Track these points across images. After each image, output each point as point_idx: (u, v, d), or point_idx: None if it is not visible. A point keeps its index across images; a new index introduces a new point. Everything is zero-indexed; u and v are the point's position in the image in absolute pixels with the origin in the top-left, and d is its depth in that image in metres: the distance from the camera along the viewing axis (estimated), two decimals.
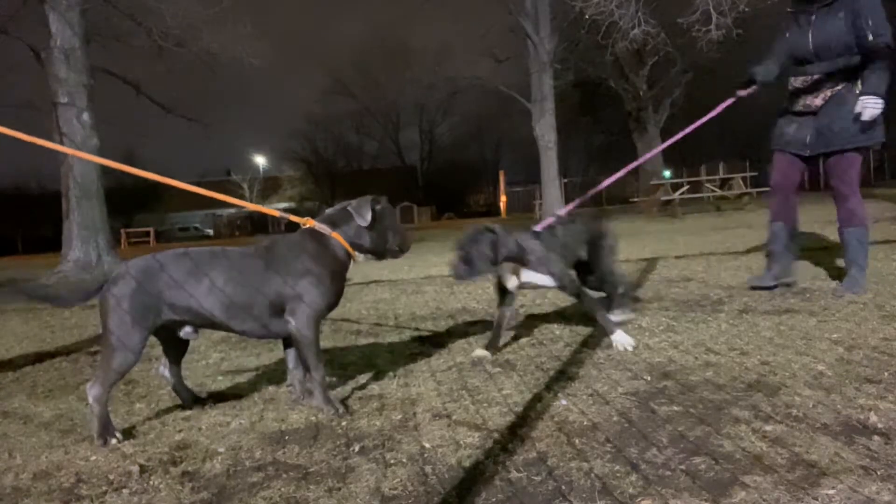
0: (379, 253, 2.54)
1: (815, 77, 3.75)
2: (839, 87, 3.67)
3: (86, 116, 10.66)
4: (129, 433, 2.25)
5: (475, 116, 44.19)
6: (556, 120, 17.57)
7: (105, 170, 11.21)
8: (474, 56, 21.18)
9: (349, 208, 2.45)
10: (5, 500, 1.78)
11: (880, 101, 3.52)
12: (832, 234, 7.35)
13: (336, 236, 2.41)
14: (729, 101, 3.95)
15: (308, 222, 2.45)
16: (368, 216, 2.43)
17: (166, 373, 2.51)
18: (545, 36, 17.03)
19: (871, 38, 3.50)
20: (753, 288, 4.11)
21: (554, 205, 17.56)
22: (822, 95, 3.72)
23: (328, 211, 2.52)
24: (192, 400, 2.53)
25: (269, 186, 50.12)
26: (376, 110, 51.25)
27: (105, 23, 12.08)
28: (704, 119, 3.95)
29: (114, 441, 2.14)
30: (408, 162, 54.63)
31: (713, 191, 19.79)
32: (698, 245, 7.43)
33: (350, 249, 2.44)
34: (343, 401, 2.38)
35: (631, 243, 9.10)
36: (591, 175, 43.91)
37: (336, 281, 2.39)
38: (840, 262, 5.09)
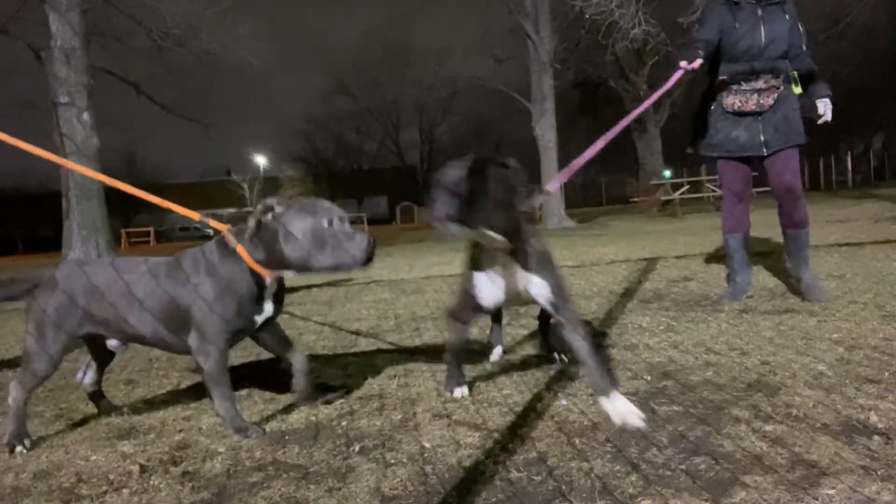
0: (296, 267, 2.06)
1: (765, 75, 3.61)
2: (782, 87, 3.61)
3: (86, 116, 10.67)
4: (129, 433, 2.26)
5: (475, 116, 44.22)
6: (556, 120, 17.59)
7: (106, 170, 11.20)
8: (474, 56, 21.28)
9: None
10: (5, 500, 1.78)
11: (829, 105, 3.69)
12: (831, 234, 7.37)
13: (241, 250, 2.06)
14: (678, 74, 3.54)
15: (223, 229, 2.14)
16: (253, 224, 2.03)
17: (86, 380, 2.48)
18: (545, 36, 17.05)
19: (804, 48, 3.65)
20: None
21: (554, 205, 17.56)
22: (773, 95, 3.60)
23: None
24: (109, 408, 2.51)
25: (269, 186, 50.13)
26: (376, 110, 51.34)
27: (105, 23, 12.11)
28: (656, 95, 3.66)
29: (19, 448, 2.13)
30: (408, 162, 54.66)
31: (713, 191, 19.80)
32: (698, 245, 7.43)
33: (255, 267, 2.07)
34: (259, 423, 2.19)
35: (631, 243, 9.11)
36: (592, 175, 43.97)
37: (236, 302, 2.06)
38: (836, 262, 5.10)
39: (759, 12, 3.61)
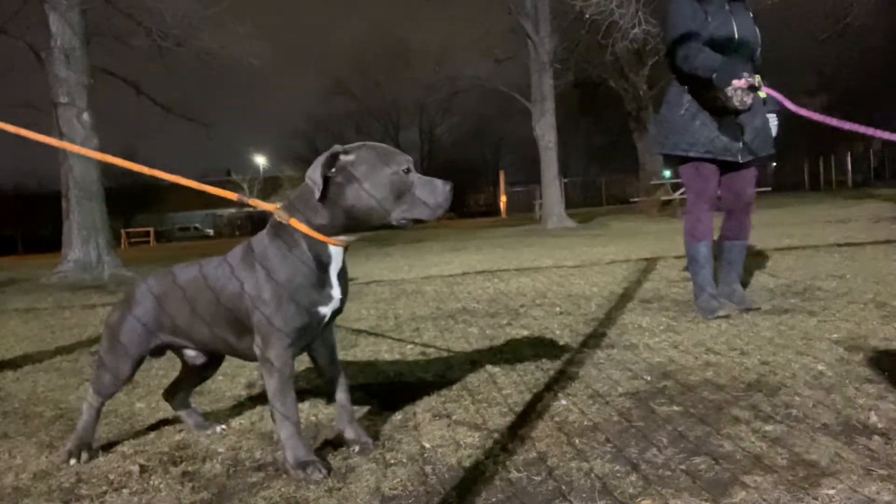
0: (368, 226, 1.79)
1: (742, 71, 3.30)
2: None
3: (86, 116, 10.65)
4: (129, 433, 2.26)
5: (475, 116, 44.30)
6: (556, 120, 17.58)
7: (105, 170, 11.20)
8: (474, 56, 21.22)
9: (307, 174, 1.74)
10: (5, 500, 1.78)
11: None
12: (831, 234, 7.37)
13: (294, 223, 1.77)
14: (750, 96, 3.27)
15: (272, 208, 1.83)
16: (319, 180, 1.70)
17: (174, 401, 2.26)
18: (545, 36, 17.04)
19: (757, 52, 3.44)
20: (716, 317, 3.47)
21: (554, 205, 17.55)
22: (751, 95, 3.34)
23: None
24: (204, 426, 2.23)
25: (269, 186, 50.19)
26: (376, 110, 51.35)
27: (105, 23, 12.09)
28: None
29: (73, 461, 2.00)
30: None
31: None
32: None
33: (317, 235, 1.77)
34: (324, 461, 1.83)
35: (631, 243, 9.10)
36: (591, 175, 44.01)
37: (295, 292, 1.76)
38: (836, 262, 5.10)
39: (727, 7, 3.42)
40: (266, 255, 1.79)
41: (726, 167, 3.50)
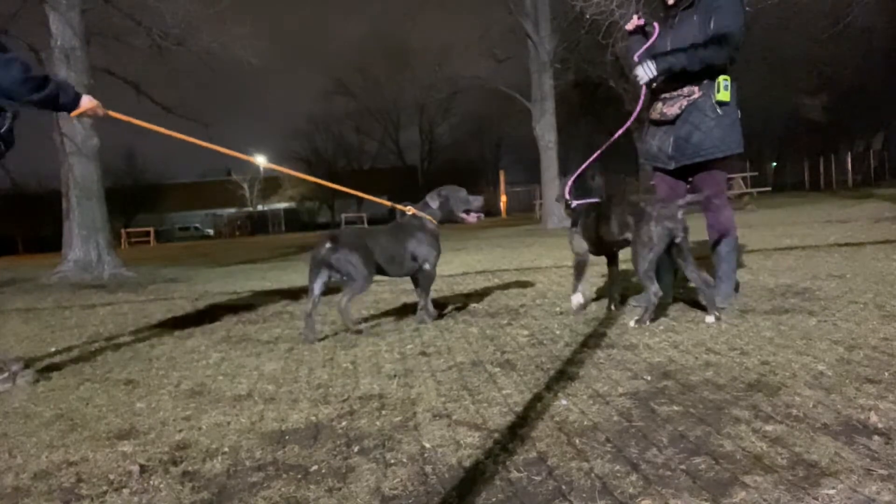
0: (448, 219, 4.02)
1: (672, 84, 3.56)
2: (696, 96, 3.50)
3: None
4: (129, 433, 2.26)
5: (475, 116, 44.30)
6: (556, 120, 17.58)
7: (105, 170, 11.18)
8: (474, 56, 21.27)
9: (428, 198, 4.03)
10: (5, 500, 1.78)
11: (653, 68, 3.47)
12: (831, 234, 7.36)
13: (428, 217, 3.94)
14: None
15: (410, 210, 3.94)
16: (436, 202, 3.98)
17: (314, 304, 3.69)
18: (545, 36, 17.05)
19: (716, 37, 3.40)
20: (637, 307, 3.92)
21: (554, 205, 17.54)
22: (679, 104, 3.54)
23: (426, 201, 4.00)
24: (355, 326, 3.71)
25: (269, 186, 50.24)
26: (376, 110, 51.40)
27: (105, 23, 12.07)
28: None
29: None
30: (408, 162, 54.73)
31: None
32: (696, 245, 7.42)
33: (434, 222, 3.93)
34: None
35: None
36: (592, 175, 43.96)
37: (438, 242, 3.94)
38: (836, 262, 5.10)
39: (676, 21, 3.62)
40: (421, 228, 3.94)
41: (690, 170, 3.72)
